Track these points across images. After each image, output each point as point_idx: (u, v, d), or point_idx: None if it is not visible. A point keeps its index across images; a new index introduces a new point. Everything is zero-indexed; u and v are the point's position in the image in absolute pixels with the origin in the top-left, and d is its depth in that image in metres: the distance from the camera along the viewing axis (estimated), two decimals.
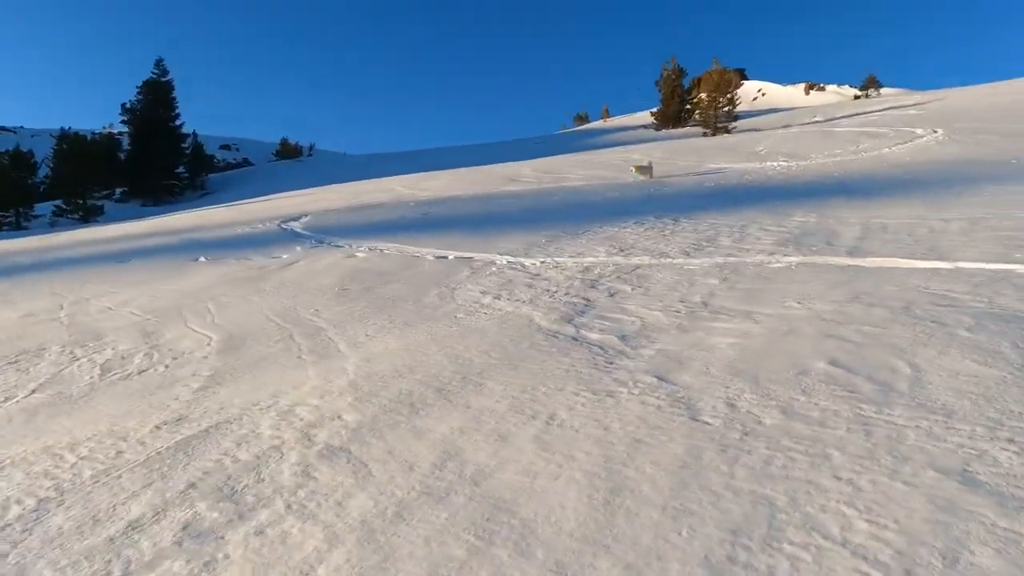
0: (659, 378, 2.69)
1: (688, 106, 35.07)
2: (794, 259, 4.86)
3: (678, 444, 2.11)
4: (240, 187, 31.37)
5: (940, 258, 4.35)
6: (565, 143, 33.36)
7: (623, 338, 3.34)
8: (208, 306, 5.06)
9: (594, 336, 3.42)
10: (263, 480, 2.18)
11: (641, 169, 11.01)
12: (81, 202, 24.09)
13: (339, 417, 2.64)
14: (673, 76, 35.04)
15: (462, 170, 20.21)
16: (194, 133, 36.05)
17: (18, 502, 2.19)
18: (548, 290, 4.65)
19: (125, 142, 33.58)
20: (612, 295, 4.33)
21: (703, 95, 30.11)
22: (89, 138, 31.08)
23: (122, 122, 32.63)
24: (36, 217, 24.18)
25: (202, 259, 7.26)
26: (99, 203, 25.35)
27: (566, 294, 4.47)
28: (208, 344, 4.03)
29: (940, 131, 14.15)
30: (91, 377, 3.59)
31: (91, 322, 4.93)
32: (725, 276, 4.50)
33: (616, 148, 23.65)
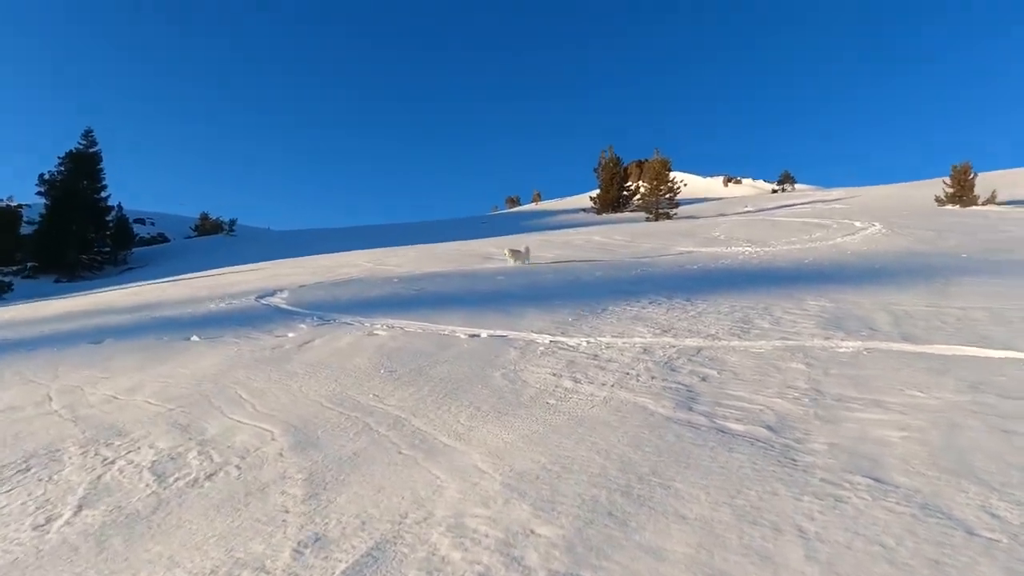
0: (873, 479, 2.43)
1: (625, 192, 36.95)
2: (854, 344, 4.83)
3: (989, 567, 1.84)
4: (166, 263, 29.54)
5: (1005, 347, 4.42)
6: (510, 224, 33.96)
7: (772, 429, 3.09)
8: (239, 392, 4.40)
9: (737, 427, 3.15)
10: None
11: (515, 254, 10.85)
12: None
13: (532, 532, 2.19)
14: (611, 164, 37.00)
15: (422, 247, 19.96)
16: (119, 206, 34.15)
17: None
18: (627, 373, 4.37)
19: (27, 214, 31.22)
20: (704, 380, 4.11)
21: (643, 183, 31.76)
22: None
23: (38, 194, 30.41)
24: None
25: (195, 338, 6.46)
26: (6, 279, 22.97)
27: (652, 378, 4.21)
28: (273, 439, 3.42)
29: (878, 224, 15.41)
30: (147, 485, 2.90)
31: (100, 415, 4.12)
32: (807, 362, 4.38)
33: (568, 230, 24.21)
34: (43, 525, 2.58)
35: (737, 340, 5.22)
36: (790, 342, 5.03)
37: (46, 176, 30.33)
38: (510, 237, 21.42)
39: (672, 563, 1.95)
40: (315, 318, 7.31)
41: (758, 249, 12.99)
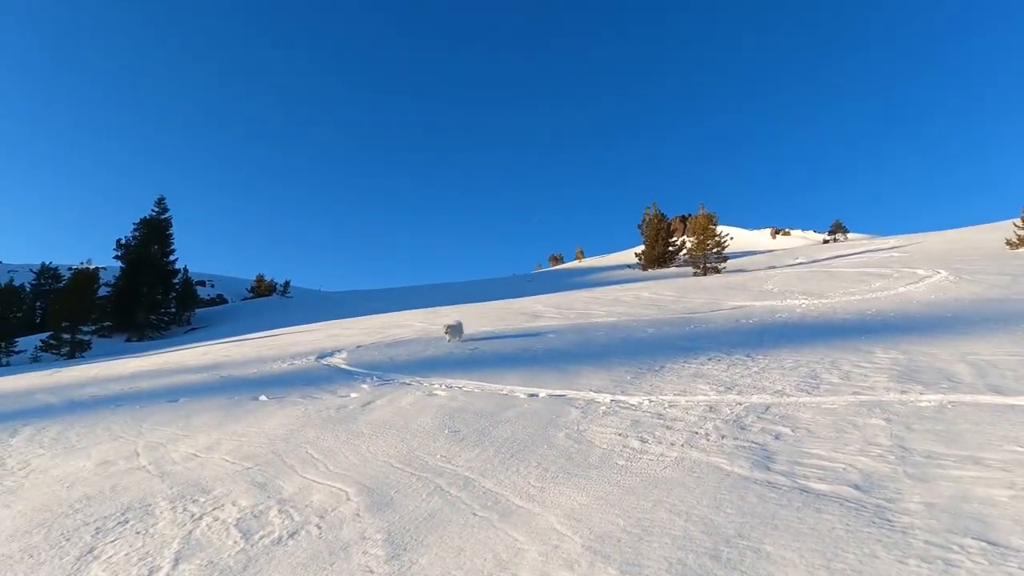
0: (987, 542, 2.32)
1: (670, 248, 36.85)
2: (935, 397, 4.66)
3: None
4: (226, 323, 30.84)
5: None
6: (557, 281, 34.22)
7: (859, 489, 2.99)
8: (310, 452, 4.54)
9: (821, 487, 3.06)
10: None
11: (450, 329, 10.73)
12: (69, 337, 23.11)
13: None
14: (656, 220, 37.13)
15: (470, 306, 20.27)
16: (184, 269, 36.13)
17: None
18: (695, 432, 4.31)
19: (103, 276, 33.37)
20: (778, 438, 4.02)
21: (690, 237, 31.66)
22: (67, 273, 30.76)
23: (116, 258, 32.55)
24: (17, 352, 23.02)
25: (263, 398, 6.73)
26: (87, 338, 24.38)
27: (722, 437, 4.14)
28: (348, 499, 3.51)
29: (943, 271, 14.81)
30: (235, 541, 3.02)
31: (184, 471, 4.33)
32: (887, 417, 4.24)
33: (615, 285, 24.23)
34: None
35: (807, 396, 5.09)
36: (864, 397, 4.88)
37: (122, 241, 32.49)
38: (557, 295, 21.55)
39: None
40: (375, 378, 7.50)
41: (816, 301, 12.62)
